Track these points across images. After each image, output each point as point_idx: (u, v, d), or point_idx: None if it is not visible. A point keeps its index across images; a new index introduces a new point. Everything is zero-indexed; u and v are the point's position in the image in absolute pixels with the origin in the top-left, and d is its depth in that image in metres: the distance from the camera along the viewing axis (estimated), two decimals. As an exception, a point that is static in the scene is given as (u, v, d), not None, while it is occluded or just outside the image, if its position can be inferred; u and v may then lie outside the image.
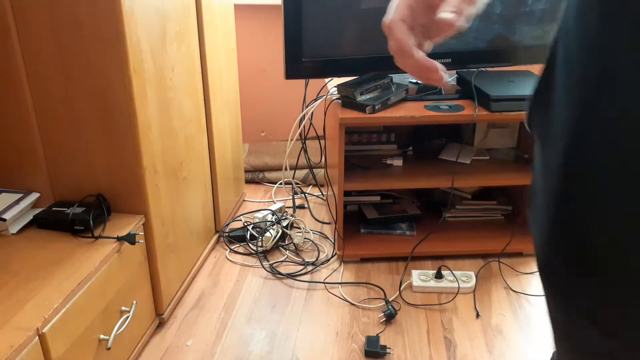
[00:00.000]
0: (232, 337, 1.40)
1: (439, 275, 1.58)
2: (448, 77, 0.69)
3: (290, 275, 1.65)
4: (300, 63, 1.56)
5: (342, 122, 1.51)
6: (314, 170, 2.22)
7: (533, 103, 0.55)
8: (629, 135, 0.43)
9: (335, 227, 1.70)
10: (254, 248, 1.77)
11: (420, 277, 1.59)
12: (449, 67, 1.63)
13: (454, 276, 1.58)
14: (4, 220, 1.18)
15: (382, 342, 1.37)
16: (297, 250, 1.77)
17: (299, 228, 1.90)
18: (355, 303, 1.53)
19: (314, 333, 1.42)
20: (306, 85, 1.87)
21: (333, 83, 1.82)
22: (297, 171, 2.23)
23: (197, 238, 1.63)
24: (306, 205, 2.07)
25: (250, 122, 2.45)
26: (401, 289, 1.58)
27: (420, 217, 1.86)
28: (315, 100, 1.78)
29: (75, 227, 1.19)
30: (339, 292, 1.58)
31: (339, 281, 1.62)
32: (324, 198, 2.12)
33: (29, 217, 1.24)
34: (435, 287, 1.56)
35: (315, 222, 1.96)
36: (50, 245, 1.16)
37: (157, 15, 1.24)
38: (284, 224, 1.84)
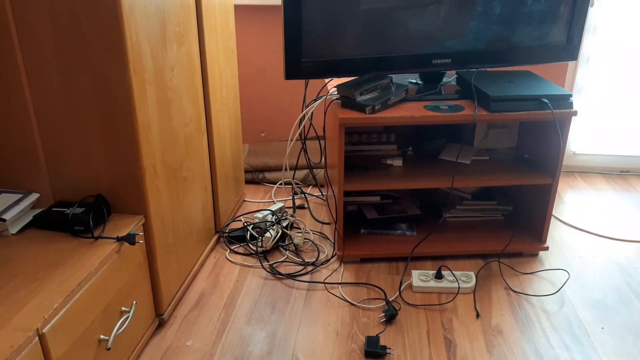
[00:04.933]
0: (232, 337, 1.40)
1: (439, 276, 1.58)
2: None
3: (290, 276, 1.65)
4: (300, 63, 1.56)
5: (342, 122, 1.51)
6: (314, 170, 2.22)
7: None
8: None
9: (335, 228, 1.70)
10: (254, 248, 1.77)
11: (420, 277, 1.59)
12: (448, 67, 1.63)
13: (454, 276, 1.59)
14: (4, 220, 1.18)
15: (382, 342, 1.37)
16: (297, 251, 1.77)
17: (299, 228, 1.90)
18: (355, 303, 1.53)
19: (314, 333, 1.42)
20: (306, 85, 1.87)
21: (333, 83, 1.82)
22: (297, 171, 2.23)
23: (197, 238, 1.63)
24: (306, 206, 2.07)
25: (250, 123, 2.45)
26: (401, 289, 1.58)
27: (420, 217, 1.87)
28: (315, 100, 1.78)
29: (75, 228, 1.20)
30: (339, 292, 1.58)
31: (339, 281, 1.62)
32: (324, 198, 2.12)
33: (28, 218, 1.24)
34: (435, 287, 1.56)
35: (315, 222, 1.96)
36: (50, 246, 1.16)
37: (157, 16, 1.24)
38: (284, 224, 1.84)
